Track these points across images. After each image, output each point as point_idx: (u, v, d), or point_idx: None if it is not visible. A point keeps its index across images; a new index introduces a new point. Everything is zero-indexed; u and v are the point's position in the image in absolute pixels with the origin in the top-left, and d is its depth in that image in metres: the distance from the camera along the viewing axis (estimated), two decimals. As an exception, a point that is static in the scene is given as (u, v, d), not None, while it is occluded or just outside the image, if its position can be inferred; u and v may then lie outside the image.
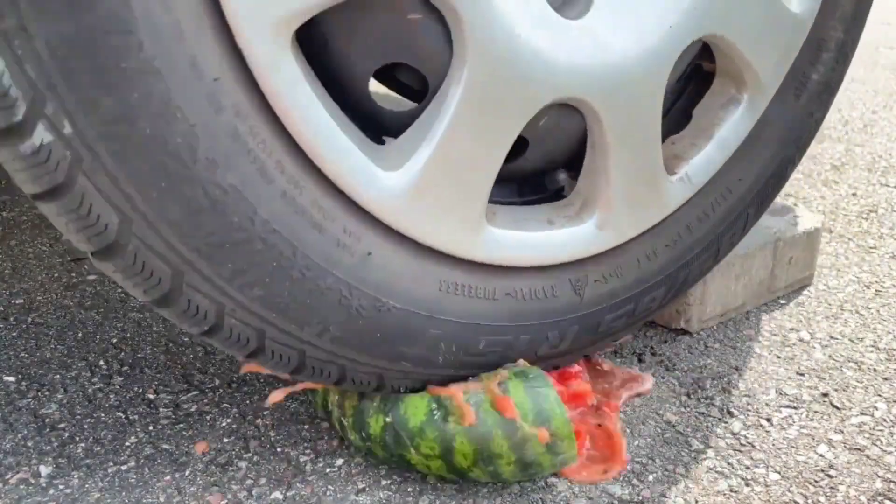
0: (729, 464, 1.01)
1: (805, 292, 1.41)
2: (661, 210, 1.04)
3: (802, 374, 1.19)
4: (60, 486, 0.96)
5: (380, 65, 0.86)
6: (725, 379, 1.18)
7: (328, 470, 1.00)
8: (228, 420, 1.08)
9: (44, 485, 0.97)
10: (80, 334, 1.29)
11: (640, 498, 0.95)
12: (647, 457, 1.02)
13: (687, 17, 0.93)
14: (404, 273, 0.88)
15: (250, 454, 1.02)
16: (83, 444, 1.03)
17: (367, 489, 0.96)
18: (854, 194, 1.80)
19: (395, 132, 0.88)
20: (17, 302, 1.39)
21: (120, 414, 1.09)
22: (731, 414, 1.10)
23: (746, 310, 1.35)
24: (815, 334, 1.29)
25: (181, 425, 1.07)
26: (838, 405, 1.12)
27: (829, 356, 1.23)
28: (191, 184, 0.72)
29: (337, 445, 1.04)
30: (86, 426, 1.07)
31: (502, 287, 0.96)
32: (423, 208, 0.86)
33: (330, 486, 0.97)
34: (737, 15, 0.97)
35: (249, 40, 0.71)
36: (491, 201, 0.94)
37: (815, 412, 1.11)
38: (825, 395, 1.14)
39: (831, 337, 1.28)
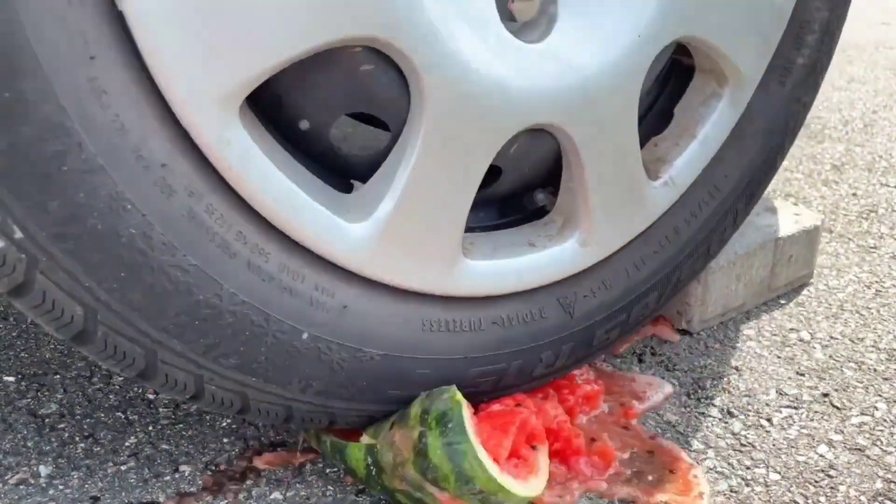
0: (729, 464, 1.01)
1: (805, 292, 1.41)
2: (645, 218, 1.02)
3: (803, 375, 1.19)
4: (60, 487, 0.96)
5: (337, 117, 0.85)
6: (725, 379, 1.18)
7: (328, 470, 1.00)
8: (228, 420, 1.08)
9: (43, 485, 0.97)
10: (79, 334, 1.29)
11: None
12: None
13: (655, 23, 0.89)
14: (384, 320, 0.88)
15: (250, 454, 1.02)
16: (83, 445, 1.03)
17: (367, 490, 0.96)
18: (854, 194, 1.80)
19: (363, 176, 0.87)
20: (16, 302, 1.39)
21: (120, 414, 1.09)
22: (731, 414, 1.10)
23: (746, 309, 1.34)
24: (816, 334, 1.29)
25: (181, 425, 1.07)
26: (838, 405, 1.12)
27: (830, 356, 1.23)
28: (150, 270, 0.72)
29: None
30: (85, 426, 1.07)
31: (487, 317, 0.95)
32: (395, 254, 0.85)
33: (329, 487, 0.97)
34: (709, 13, 0.94)
35: (195, 121, 0.70)
36: (469, 229, 0.93)
37: (816, 412, 1.10)
38: (825, 395, 1.14)
39: (832, 337, 1.28)
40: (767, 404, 1.12)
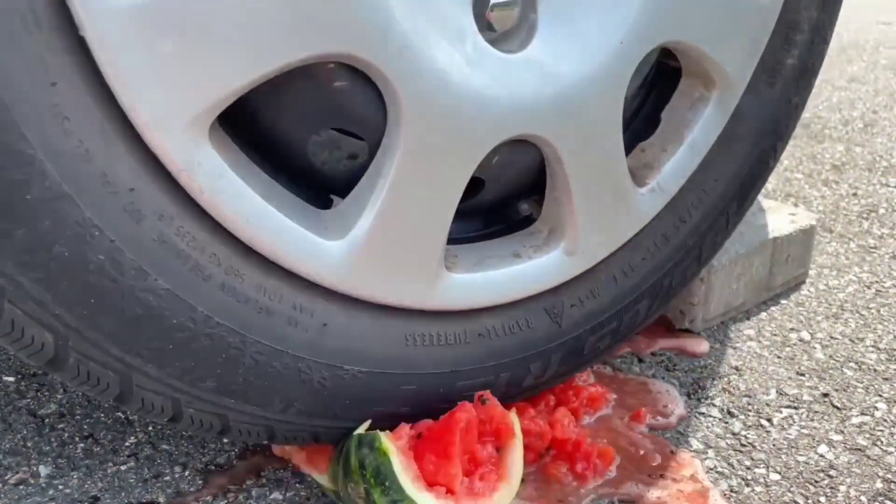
0: (729, 464, 1.01)
1: (805, 292, 1.41)
2: (633, 225, 1.00)
3: (803, 375, 1.18)
4: (60, 487, 0.96)
5: (312, 133, 0.83)
6: (725, 379, 1.17)
7: (328, 470, 0.99)
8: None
9: (43, 485, 0.97)
10: (79, 334, 1.29)
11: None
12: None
13: (638, 29, 0.87)
14: (365, 336, 0.86)
15: (249, 454, 1.02)
16: (82, 445, 1.03)
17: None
18: (854, 194, 1.80)
19: (342, 190, 0.85)
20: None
21: (119, 414, 1.09)
22: (731, 414, 1.10)
23: (746, 308, 1.34)
24: (816, 334, 1.28)
25: (181, 425, 1.07)
26: (839, 405, 1.12)
27: (830, 356, 1.23)
28: (121, 295, 0.71)
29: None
30: (85, 426, 1.07)
31: (473, 329, 0.94)
32: (375, 271, 0.83)
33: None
34: (694, 17, 0.92)
35: (163, 145, 0.69)
36: (454, 240, 0.91)
37: (816, 412, 1.10)
38: (825, 395, 1.14)
39: (832, 337, 1.28)
40: (767, 404, 1.12)
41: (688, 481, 0.97)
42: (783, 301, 1.37)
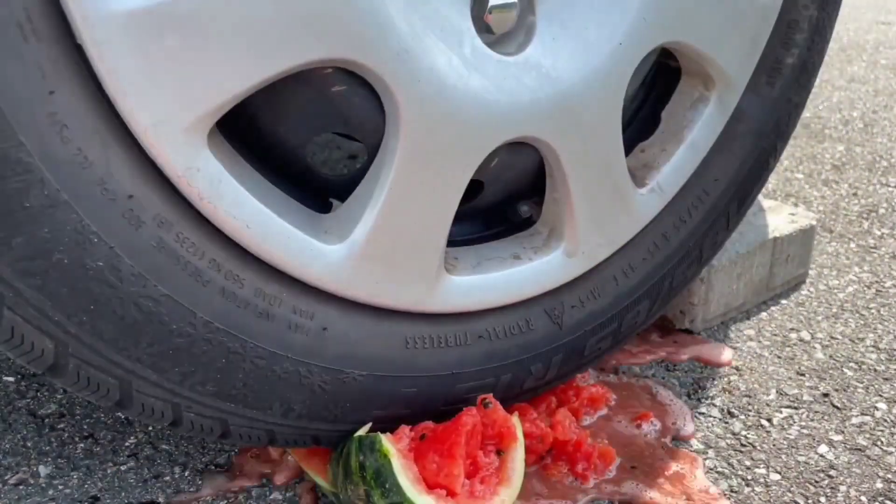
0: (729, 464, 1.01)
1: (805, 292, 1.41)
2: (633, 226, 1.00)
3: (803, 375, 1.18)
4: (60, 487, 0.96)
5: (312, 137, 0.83)
6: (725, 379, 1.17)
7: (328, 470, 1.00)
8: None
9: (43, 485, 0.97)
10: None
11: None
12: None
13: (637, 30, 0.87)
14: (365, 339, 0.86)
15: (249, 454, 1.02)
16: (82, 445, 1.03)
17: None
18: (854, 194, 1.80)
19: (342, 194, 0.85)
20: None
21: (119, 414, 1.09)
22: (731, 414, 1.10)
23: (746, 308, 1.35)
24: (816, 334, 1.28)
25: (181, 425, 1.07)
26: (839, 405, 1.12)
27: (830, 356, 1.23)
28: (120, 301, 0.71)
29: (337, 446, 1.04)
30: (85, 426, 1.07)
31: (473, 331, 0.94)
32: (374, 275, 0.83)
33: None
34: (693, 17, 0.92)
35: (161, 151, 0.69)
36: (453, 242, 0.91)
37: (816, 412, 1.10)
38: (826, 395, 1.14)
39: (832, 337, 1.28)
40: (768, 404, 1.12)
41: (688, 481, 0.97)
42: (783, 301, 1.37)
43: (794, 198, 1.79)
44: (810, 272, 1.46)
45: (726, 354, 1.22)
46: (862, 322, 1.31)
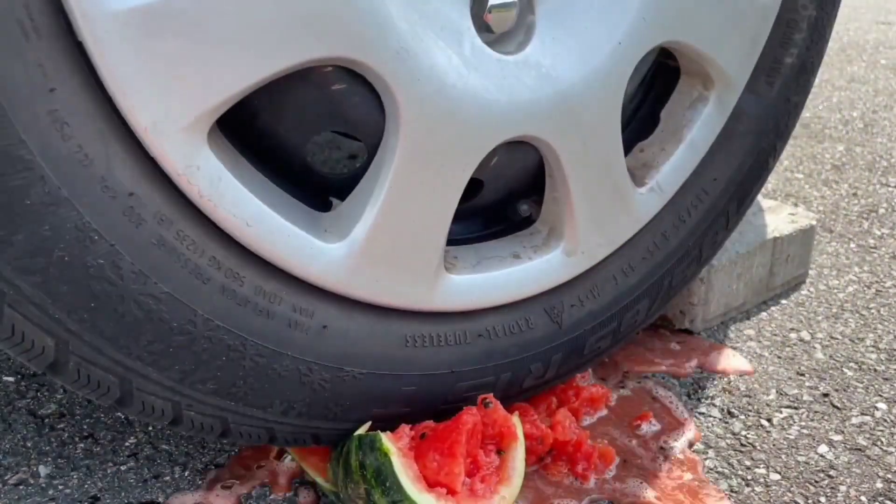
0: (729, 464, 1.01)
1: (805, 292, 1.41)
2: (632, 225, 1.00)
3: (803, 375, 1.18)
4: (60, 487, 0.96)
5: (312, 136, 0.83)
6: (725, 379, 1.18)
7: (328, 470, 0.99)
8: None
9: (43, 485, 0.97)
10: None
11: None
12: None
13: (636, 30, 0.87)
14: (365, 338, 0.86)
15: (249, 453, 1.02)
16: (82, 445, 1.03)
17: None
18: (854, 194, 1.80)
19: (342, 193, 0.85)
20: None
21: (119, 414, 1.09)
22: (731, 414, 1.10)
23: (746, 308, 1.35)
24: (816, 334, 1.28)
25: (181, 425, 1.07)
26: (839, 405, 1.12)
27: (830, 356, 1.23)
28: (121, 299, 0.71)
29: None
30: (85, 426, 1.07)
31: (473, 329, 0.94)
32: (374, 273, 0.83)
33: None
34: (692, 17, 0.92)
35: (162, 149, 0.69)
36: (453, 241, 0.91)
37: (816, 412, 1.10)
38: (826, 395, 1.14)
39: (832, 337, 1.28)
40: (767, 404, 1.12)
41: (688, 481, 0.97)
42: (783, 301, 1.37)
43: (794, 198, 1.79)
44: (810, 272, 1.46)
45: (744, 365, 1.20)
46: (862, 322, 1.31)
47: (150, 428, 1.06)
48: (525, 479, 0.94)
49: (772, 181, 1.85)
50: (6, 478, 0.98)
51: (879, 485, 0.97)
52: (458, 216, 0.87)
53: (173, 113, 0.68)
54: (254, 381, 0.81)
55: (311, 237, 0.79)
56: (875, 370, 1.18)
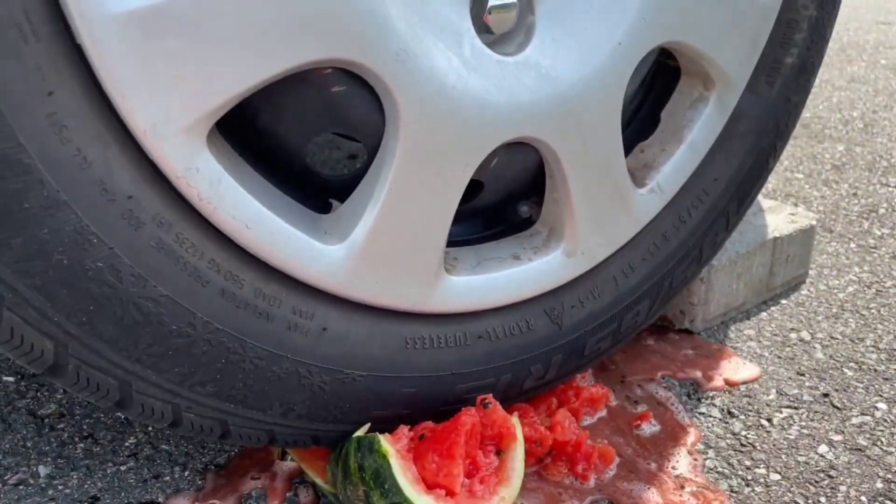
0: (729, 464, 1.01)
1: (805, 292, 1.41)
2: (633, 226, 1.00)
3: (803, 375, 1.18)
4: (60, 487, 0.96)
5: (312, 138, 0.83)
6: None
7: (328, 470, 0.99)
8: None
9: (43, 485, 0.97)
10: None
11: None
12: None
13: (636, 30, 0.87)
14: (365, 340, 0.86)
15: (249, 455, 1.02)
16: (82, 445, 1.03)
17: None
18: (854, 194, 1.80)
19: (341, 195, 0.85)
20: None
21: (119, 414, 1.09)
22: (731, 414, 1.10)
23: (746, 308, 1.35)
24: (816, 334, 1.28)
25: (181, 426, 1.07)
26: (839, 405, 1.12)
27: (830, 356, 1.23)
28: (120, 302, 0.71)
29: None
30: (85, 426, 1.07)
31: (473, 331, 0.94)
32: (374, 275, 0.83)
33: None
34: (692, 17, 0.92)
35: (161, 152, 0.69)
36: (453, 242, 0.91)
37: (816, 412, 1.10)
38: (826, 395, 1.14)
39: (832, 337, 1.28)
40: (768, 404, 1.12)
41: (688, 482, 0.97)
42: (783, 301, 1.37)
43: (794, 198, 1.79)
44: (810, 272, 1.46)
45: (753, 371, 1.20)
46: (862, 322, 1.31)
47: (150, 428, 1.06)
48: (525, 479, 0.94)
49: (772, 181, 1.85)
50: (6, 478, 0.98)
51: (879, 485, 0.97)
52: (458, 217, 0.87)
53: (173, 115, 0.68)
54: (253, 384, 0.81)
55: (310, 239, 0.79)
56: (875, 370, 1.18)
